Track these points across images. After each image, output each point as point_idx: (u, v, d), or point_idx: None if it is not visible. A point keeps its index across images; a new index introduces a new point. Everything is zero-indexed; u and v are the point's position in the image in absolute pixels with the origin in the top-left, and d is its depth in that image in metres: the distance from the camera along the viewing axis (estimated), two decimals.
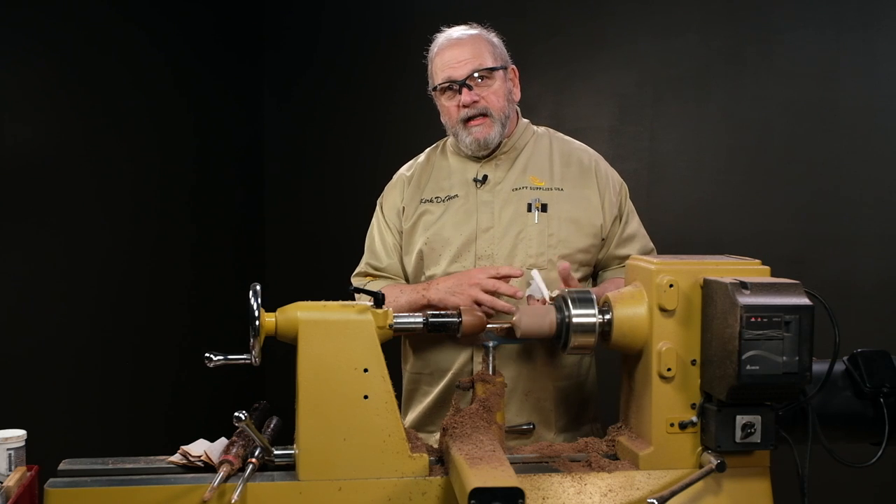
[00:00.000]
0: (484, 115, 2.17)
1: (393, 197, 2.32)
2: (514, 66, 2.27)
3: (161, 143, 4.14)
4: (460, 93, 2.17)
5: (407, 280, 2.29)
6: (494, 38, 2.25)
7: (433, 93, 2.26)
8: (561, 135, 2.35)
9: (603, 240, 2.23)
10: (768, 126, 3.22)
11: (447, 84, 2.18)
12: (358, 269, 2.35)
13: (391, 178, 2.39)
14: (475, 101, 2.16)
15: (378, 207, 2.36)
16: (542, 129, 2.34)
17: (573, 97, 3.73)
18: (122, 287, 3.92)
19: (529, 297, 1.98)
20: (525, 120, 2.32)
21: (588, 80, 3.69)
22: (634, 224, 2.29)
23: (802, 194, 3.14)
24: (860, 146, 3.02)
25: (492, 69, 2.17)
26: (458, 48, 2.18)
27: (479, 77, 2.17)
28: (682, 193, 3.44)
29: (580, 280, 2.19)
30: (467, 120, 2.18)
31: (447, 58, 2.19)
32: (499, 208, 2.19)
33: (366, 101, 4.47)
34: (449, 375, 2.17)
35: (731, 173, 3.31)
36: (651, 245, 2.30)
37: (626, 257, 2.17)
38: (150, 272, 4.07)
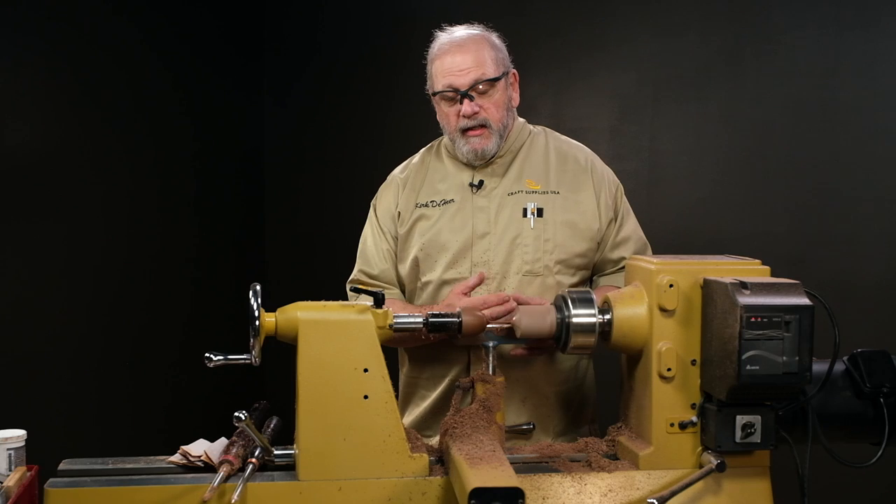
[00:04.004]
0: (483, 126, 2.13)
1: (387, 200, 2.27)
2: (514, 71, 2.22)
3: (161, 143, 4.14)
4: (461, 102, 2.13)
5: (402, 287, 2.25)
6: (497, 41, 2.20)
7: (431, 95, 2.21)
8: (557, 134, 2.31)
9: (598, 243, 2.19)
10: (768, 126, 3.22)
11: (448, 92, 2.14)
12: (352, 277, 2.30)
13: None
14: (476, 113, 2.12)
15: (372, 210, 2.31)
16: (538, 128, 2.30)
17: (573, 97, 3.73)
18: (121, 287, 3.92)
19: None
20: (521, 119, 2.28)
21: (588, 80, 3.69)
22: (630, 226, 2.23)
23: (802, 194, 3.14)
24: (860, 146, 3.02)
25: (494, 80, 2.13)
26: (460, 54, 2.13)
27: (480, 87, 2.12)
28: (682, 193, 3.44)
29: (577, 284, 2.18)
30: (466, 129, 2.14)
31: (448, 64, 2.13)
32: (494, 213, 2.15)
33: (365, 101, 4.47)
34: (446, 381, 2.15)
35: (731, 173, 3.31)
36: (647, 247, 2.25)
37: (620, 260, 2.17)
38: (149, 272, 4.07)
